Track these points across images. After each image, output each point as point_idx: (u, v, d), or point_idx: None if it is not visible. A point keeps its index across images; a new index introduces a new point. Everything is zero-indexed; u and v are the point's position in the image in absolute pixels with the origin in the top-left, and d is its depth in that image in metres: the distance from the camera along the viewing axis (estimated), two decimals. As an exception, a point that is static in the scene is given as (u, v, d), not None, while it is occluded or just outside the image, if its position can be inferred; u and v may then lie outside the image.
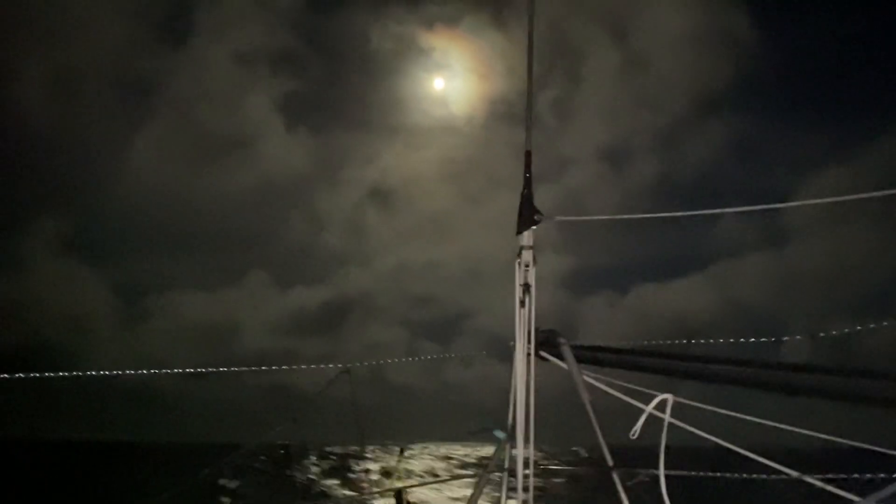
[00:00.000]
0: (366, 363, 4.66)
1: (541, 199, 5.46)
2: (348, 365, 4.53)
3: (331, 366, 4.52)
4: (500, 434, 5.41)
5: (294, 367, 4.68)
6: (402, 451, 5.06)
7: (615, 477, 4.99)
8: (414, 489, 4.88)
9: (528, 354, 5.40)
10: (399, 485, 5.00)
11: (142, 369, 3.79)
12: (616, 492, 4.97)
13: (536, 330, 5.40)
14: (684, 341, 4.76)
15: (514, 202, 5.47)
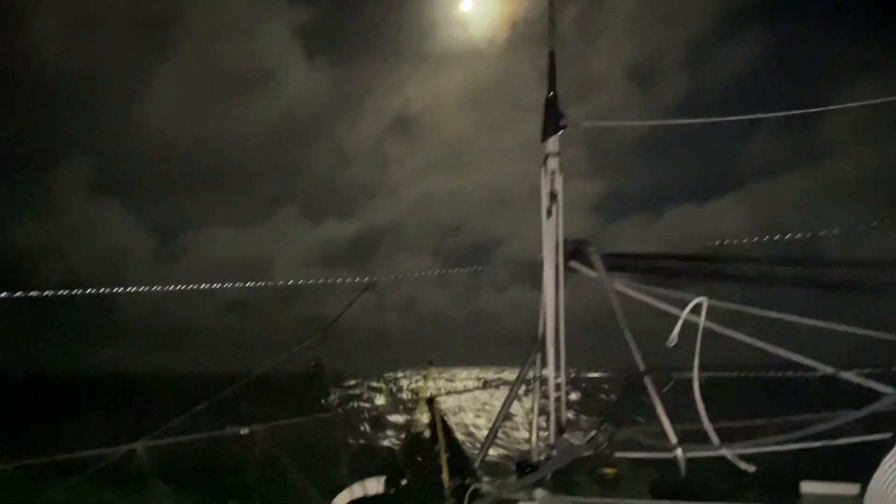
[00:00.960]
0: (392, 277, 4.67)
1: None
2: (374, 279, 4.54)
3: (356, 280, 4.54)
4: None
5: (320, 281, 4.71)
6: (431, 363, 5.12)
7: (648, 382, 5.01)
8: (445, 397, 4.99)
9: (557, 266, 5.38)
10: (430, 394, 5.08)
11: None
12: (649, 397, 5.00)
13: (565, 240, 5.37)
14: (717, 243, 4.67)
15: (539, 127, 5.34)
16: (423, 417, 5.14)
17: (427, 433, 5.10)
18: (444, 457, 4.92)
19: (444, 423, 5.09)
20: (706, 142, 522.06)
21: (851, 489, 3.96)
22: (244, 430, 4.23)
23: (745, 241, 4.55)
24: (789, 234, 4.50)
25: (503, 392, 6.13)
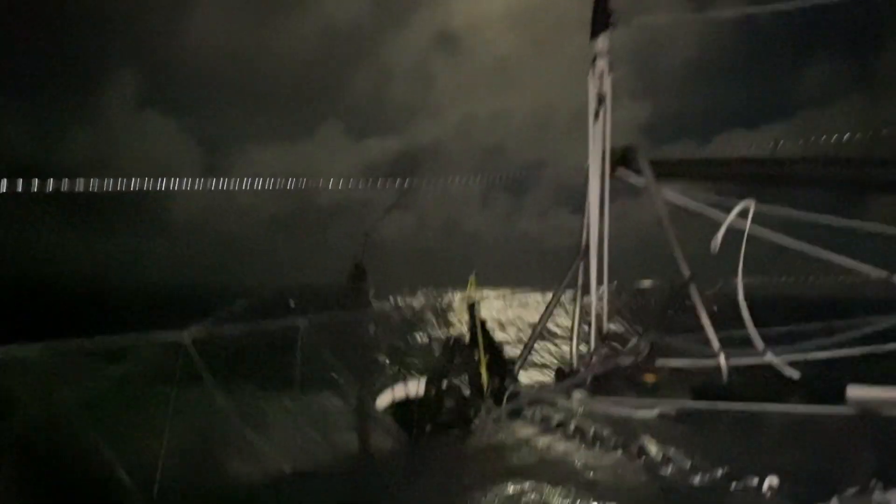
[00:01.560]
0: (434, 181, 4.61)
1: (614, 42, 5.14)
2: (415, 180, 4.49)
3: (401, 180, 4.50)
4: None
5: (370, 181, 4.68)
6: (475, 275, 5.12)
7: (692, 288, 4.92)
8: (487, 302, 5.03)
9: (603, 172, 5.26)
10: (472, 300, 5.10)
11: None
12: (692, 307, 4.92)
13: (612, 147, 5.23)
14: (770, 143, 4.48)
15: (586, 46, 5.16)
16: (464, 322, 5.17)
17: (467, 338, 5.14)
18: (483, 360, 4.97)
19: (484, 328, 5.12)
20: (759, 67, 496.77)
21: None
22: (290, 322, 4.31)
23: (800, 141, 4.34)
24: (847, 134, 4.27)
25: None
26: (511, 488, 2.91)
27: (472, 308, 5.13)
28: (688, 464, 3.00)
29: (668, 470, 3.01)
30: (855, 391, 4.03)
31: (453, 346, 5.13)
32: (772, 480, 2.47)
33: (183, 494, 3.49)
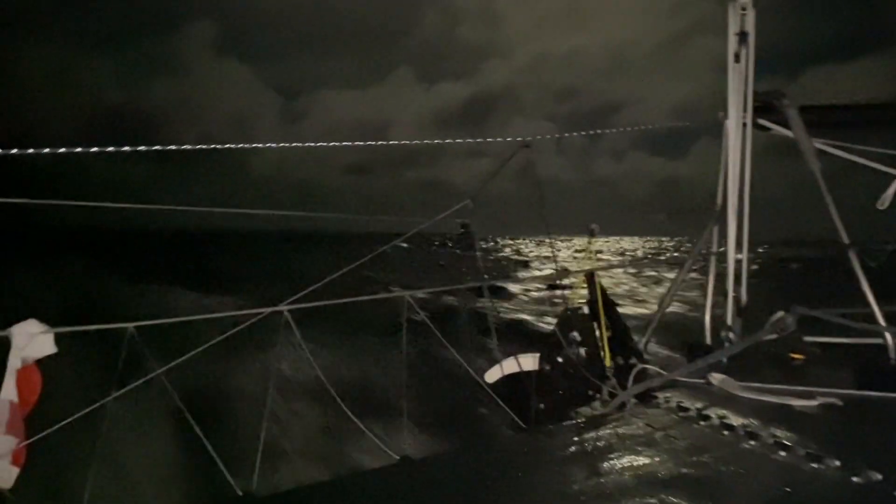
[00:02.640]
0: (547, 136, 4.15)
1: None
2: (528, 138, 4.04)
3: (508, 139, 4.06)
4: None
5: (471, 140, 4.28)
6: (592, 233, 4.62)
7: (852, 256, 4.27)
8: (606, 273, 4.56)
9: (745, 123, 4.62)
10: (590, 267, 4.61)
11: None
12: (853, 272, 4.27)
13: (755, 92, 4.57)
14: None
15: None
16: (583, 292, 4.71)
17: (586, 309, 4.68)
18: (604, 334, 4.50)
19: (606, 299, 4.63)
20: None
21: None
22: (389, 294, 4.00)
23: None
24: None
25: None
26: (641, 496, 2.46)
27: (591, 277, 4.64)
28: (839, 464, 2.47)
29: (818, 469, 2.48)
30: None
31: (570, 318, 4.67)
32: None
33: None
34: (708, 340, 4.75)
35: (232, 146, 3.61)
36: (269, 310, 3.38)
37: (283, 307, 3.34)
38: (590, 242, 4.79)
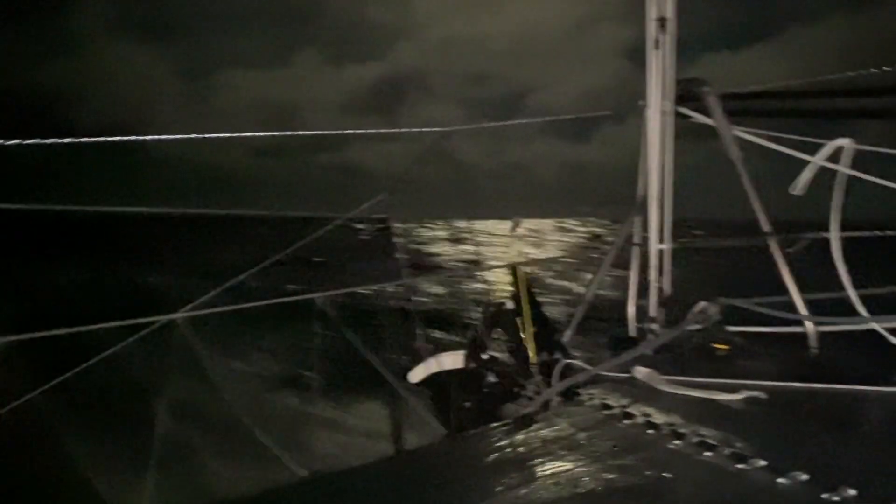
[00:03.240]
0: (465, 127, 4.01)
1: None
2: (447, 129, 3.88)
3: (425, 129, 3.90)
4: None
5: (390, 130, 4.10)
6: (516, 225, 4.50)
7: (773, 244, 4.24)
8: (527, 265, 4.44)
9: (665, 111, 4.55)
10: (513, 259, 4.49)
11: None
12: (774, 262, 4.25)
13: (675, 80, 4.51)
14: (863, 72, 3.74)
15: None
16: (506, 286, 4.57)
17: (510, 304, 4.54)
18: (529, 330, 4.37)
19: (530, 293, 4.50)
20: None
21: None
22: (299, 297, 3.77)
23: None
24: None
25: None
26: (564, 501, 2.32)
27: (513, 270, 4.51)
28: (765, 464, 2.38)
29: (744, 470, 2.39)
30: None
31: (494, 314, 4.53)
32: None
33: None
34: (632, 332, 4.69)
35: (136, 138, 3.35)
36: (165, 318, 3.12)
37: (179, 315, 3.08)
38: (514, 235, 4.66)
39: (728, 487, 2.34)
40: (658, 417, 3.07)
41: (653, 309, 4.65)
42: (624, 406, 3.31)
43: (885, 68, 3.74)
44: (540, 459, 2.79)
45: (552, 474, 2.61)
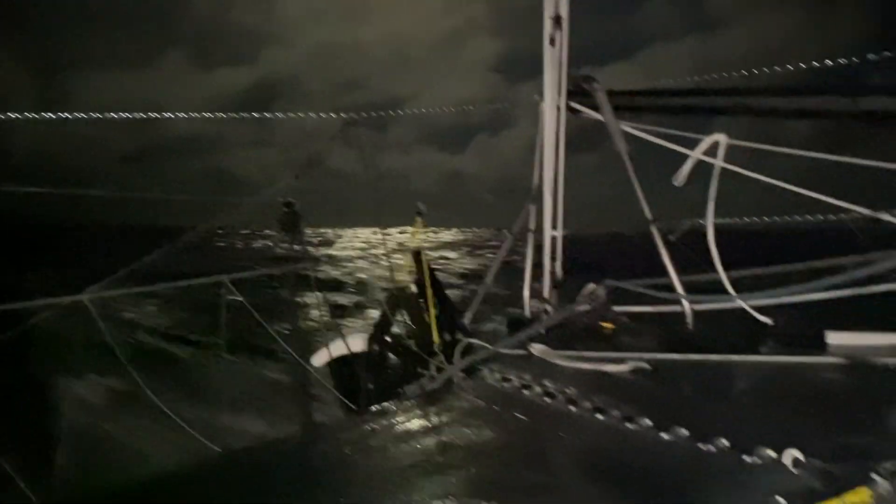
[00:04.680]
0: (372, 113, 4.11)
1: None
2: (354, 115, 3.98)
3: (333, 115, 3.98)
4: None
5: (291, 114, 4.14)
6: (419, 213, 4.64)
7: (654, 231, 4.60)
8: (428, 257, 4.59)
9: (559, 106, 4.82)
10: (416, 246, 4.65)
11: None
12: (655, 247, 4.60)
13: (568, 76, 4.78)
14: (744, 72, 4.11)
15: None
16: (409, 272, 4.72)
17: (413, 288, 4.70)
18: (432, 312, 4.54)
19: (433, 277, 4.67)
20: (601, 5, 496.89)
21: (887, 339, 3.63)
22: (206, 279, 3.76)
23: (776, 69, 3.96)
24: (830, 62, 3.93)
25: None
26: (472, 466, 2.49)
27: (417, 255, 4.67)
28: (650, 423, 2.64)
29: (631, 428, 2.64)
30: (836, 338, 3.79)
31: (397, 297, 4.68)
32: (793, 453, 2.11)
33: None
34: (528, 314, 4.94)
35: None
36: (69, 298, 3.07)
37: (86, 296, 3.04)
38: (417, 223, 4.81)
39: (618, 443, 2.59)
40: (554, 388, 3.31)
41: (546, 291, 4.92)
42: (522, 379, 3.53)
43: (754, 70, 4.12)
44: (446, 430, 2.96)
45: (457, 444, 2.78)
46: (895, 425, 2.40)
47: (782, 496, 1.93)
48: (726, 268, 4.29)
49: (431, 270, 4.66)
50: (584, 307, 4.55)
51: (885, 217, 3.70)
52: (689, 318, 4.38)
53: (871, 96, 3.92)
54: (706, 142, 4.21)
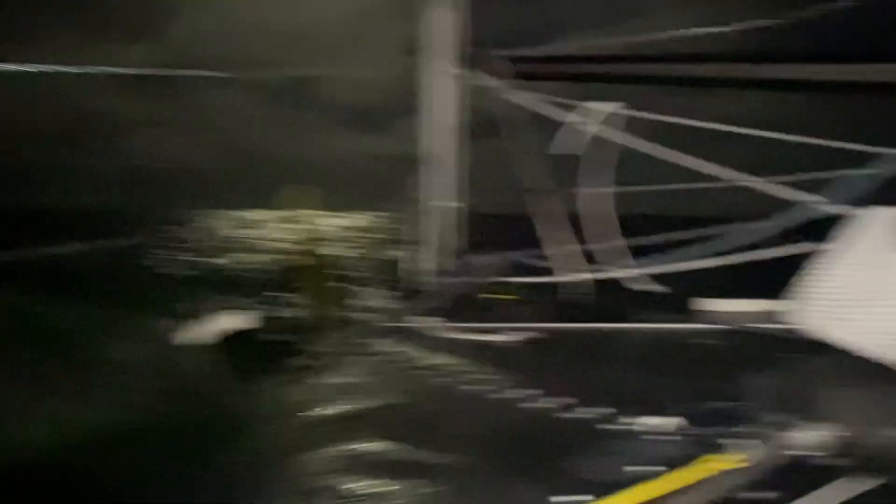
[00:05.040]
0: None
1: None
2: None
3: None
4: None
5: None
6: (312, 190, 4.50)
7: (548, 201, 4.60)
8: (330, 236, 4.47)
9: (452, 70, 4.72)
10: (311, 226, 4.50)
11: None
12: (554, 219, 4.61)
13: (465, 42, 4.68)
14: (637, 38, 4.09)
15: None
16: (302, 247, 4.55)
17: (307, 262, 4.54)
18: (324, 286, 4.40)
19: (323, 256, 4.53)
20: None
21: (758, 305, 3.76)
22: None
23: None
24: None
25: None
26: (350, 442, 2.40)
27: (310, 231, 4.51)
28: (541, 391, 2.63)
29: (520, 397, 2.63)
30: (714, 304, 3.90)
31: (289, 273, 4.51)
32: (671, 419, 2.12)
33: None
34: (424, 286, 4.87)
35: None
36: None
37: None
38: (311, 203, 4.64)
39: (507, 413, 2.55)
40: (444, 361, 3.25)
41: (442, 263, 4.85)
42: (413, 353, 3.46)
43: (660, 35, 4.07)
44: (332, 402, 2.86)
45: (342, 417, 2.69)
46: (765, 389, 2.46)
47: (662, 461, 1.93)
48: (618, 238, 4.35)
49: (320, 245, 4.52)
50: (480, 278, 4.53)
51: (760, 185, 3.80)
52: (584, 288, 4.42)
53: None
54: (600, 112, 4.22)
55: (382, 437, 2.42)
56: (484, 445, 2.35)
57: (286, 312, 4.43)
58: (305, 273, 4.42)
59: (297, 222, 4.63)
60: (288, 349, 4.28)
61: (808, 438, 1.87)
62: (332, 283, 4.31)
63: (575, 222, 4.76)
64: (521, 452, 2.24)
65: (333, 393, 3.00)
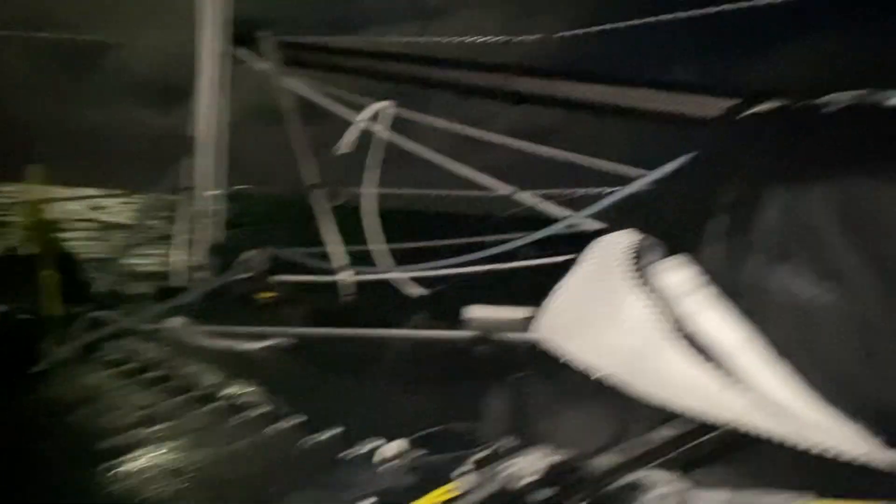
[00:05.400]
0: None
1: None
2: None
3: None
4: None
5: None
6: (33, 164, 3.89)
7: (316, 197, 4.39)
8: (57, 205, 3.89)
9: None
10: (33, 198, 3.91)
11: None
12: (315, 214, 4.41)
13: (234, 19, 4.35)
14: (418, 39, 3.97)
15: None
16: (24, 230, 3.95)
17: (29, 249, 3.94)
18: (52, 279, 3.84)
19: (55, 238, 3.97)
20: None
21: (519, 313, 3.78)
22: None
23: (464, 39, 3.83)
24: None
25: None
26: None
27: (35, 211, 3.92)
28: (302, 420, 2.43)
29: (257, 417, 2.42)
30: (475, 311, 3.88)
31: (7, 261, 3.89)
32: (390, 447, 1.99)
33: None
34: (177, 282, 4.47)
35: None
36: None
37: None
38: (31, 175, 4.03)
39: (226, 434, 2.33)
40: (182, 369, 2.95)
41: (200, 256, 4.48)
42: (151, 359, 3.11)
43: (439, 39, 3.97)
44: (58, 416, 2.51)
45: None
46: (493, 408, 2.42)
47: (377, 494, 1.79)
48: (385, 240, 4.24)
49: (53, 229, 3.96)
50: (240, 275, 4.21)
51: (520, 197, 3.85)
52: (344, 289, 4.25)
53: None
54: (372, 108, 4.08)
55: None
56: (192, 480, 2.10)
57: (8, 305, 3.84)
58: (28, 260, 3.84)
59: (33, 202, 4.03)
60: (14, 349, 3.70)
61: (521, 464, 1.81)
62: (54, 274, 3.76)
63: (348, 219, 4.59)
64: (234, 485, 2.02)
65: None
